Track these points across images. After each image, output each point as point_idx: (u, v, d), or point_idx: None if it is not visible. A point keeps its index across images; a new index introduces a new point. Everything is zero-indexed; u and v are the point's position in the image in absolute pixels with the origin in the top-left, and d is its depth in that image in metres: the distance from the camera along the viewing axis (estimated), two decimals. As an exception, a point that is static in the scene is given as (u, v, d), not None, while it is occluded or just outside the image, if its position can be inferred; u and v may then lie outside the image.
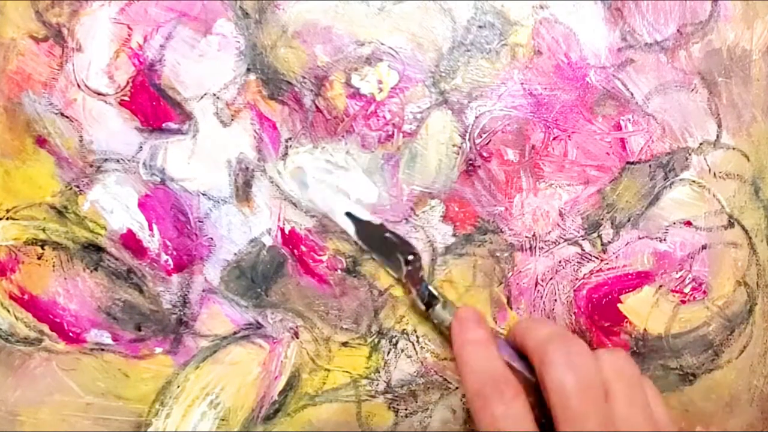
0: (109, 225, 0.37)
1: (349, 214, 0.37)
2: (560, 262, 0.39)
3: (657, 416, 0.31)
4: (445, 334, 0.37)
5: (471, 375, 0.32)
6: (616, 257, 0.39)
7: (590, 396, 0.29)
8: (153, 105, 0.37)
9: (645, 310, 0.39)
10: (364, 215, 0.38)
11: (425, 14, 0.38)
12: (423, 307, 0.37)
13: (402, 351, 0.38)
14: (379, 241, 0.37)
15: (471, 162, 0.38)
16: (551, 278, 0.39)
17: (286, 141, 0.38)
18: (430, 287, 0.37)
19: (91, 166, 0.37)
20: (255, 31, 0.38)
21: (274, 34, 0.38)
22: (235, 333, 0.38)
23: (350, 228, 0.37)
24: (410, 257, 0.37)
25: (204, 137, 0.38)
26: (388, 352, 0.38)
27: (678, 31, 0.39)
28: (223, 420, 0.37)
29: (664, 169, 0.39)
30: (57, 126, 0.37)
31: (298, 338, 0.38)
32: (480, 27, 0.38)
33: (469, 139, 0.38)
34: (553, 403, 0.29)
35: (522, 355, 0.33)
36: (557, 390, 0.29)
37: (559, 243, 0.39)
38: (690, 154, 0.39)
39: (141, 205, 0.38)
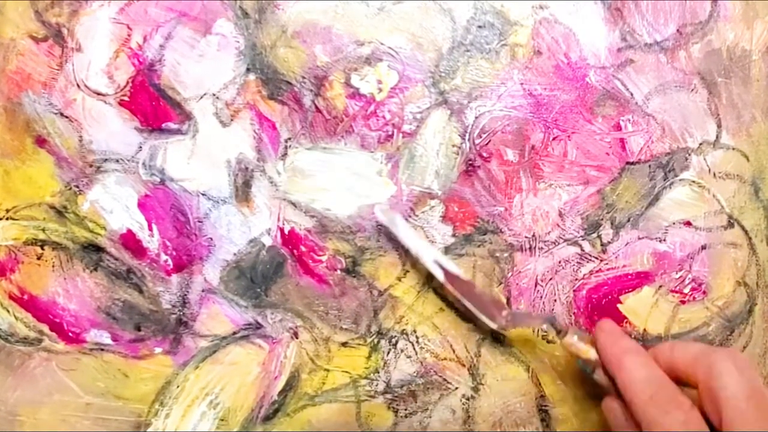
0: (108, 225, 0.37)
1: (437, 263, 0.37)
2: (560, 262, 0.39)
3: None
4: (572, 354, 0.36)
5: (639, 384, 0.32)
6: (616, 257, 0.39)
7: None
8: (153, 105, 0.37)
9: (645, 311, 0.39)
10: (452, 268, 0.37)
11: (425, 14, 0.38)
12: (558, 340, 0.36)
13: (401, 351, 0.38)
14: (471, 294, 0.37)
15: (471, 162, 0.38)
16: (551, 278, 0.39)
17: (286, 141, 0.38)
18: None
19: (91, 166, 0.37)
20: (255, 31, 0.38)
21: (274, 34, 0.38)
22: (234, 333, 0.38)
23: (440, 275, 0.36)
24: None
25: (203, 137, 0.38)
26: (388, 353, 0.38)
27: (678, 31, 0.39)
28: (222, 420, 0.37)
29: (664, 169, 0.39)
30: (57, 126, 0.37)
31: (297, 338, 0.38)
32: (480, 27, 0.38)
33: (468, 140, 0.38)
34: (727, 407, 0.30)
35: None
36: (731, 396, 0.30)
37: (559, 243, 0.39)
38: (690, 155, 0.39)
39: (140, 205, 0.38)
